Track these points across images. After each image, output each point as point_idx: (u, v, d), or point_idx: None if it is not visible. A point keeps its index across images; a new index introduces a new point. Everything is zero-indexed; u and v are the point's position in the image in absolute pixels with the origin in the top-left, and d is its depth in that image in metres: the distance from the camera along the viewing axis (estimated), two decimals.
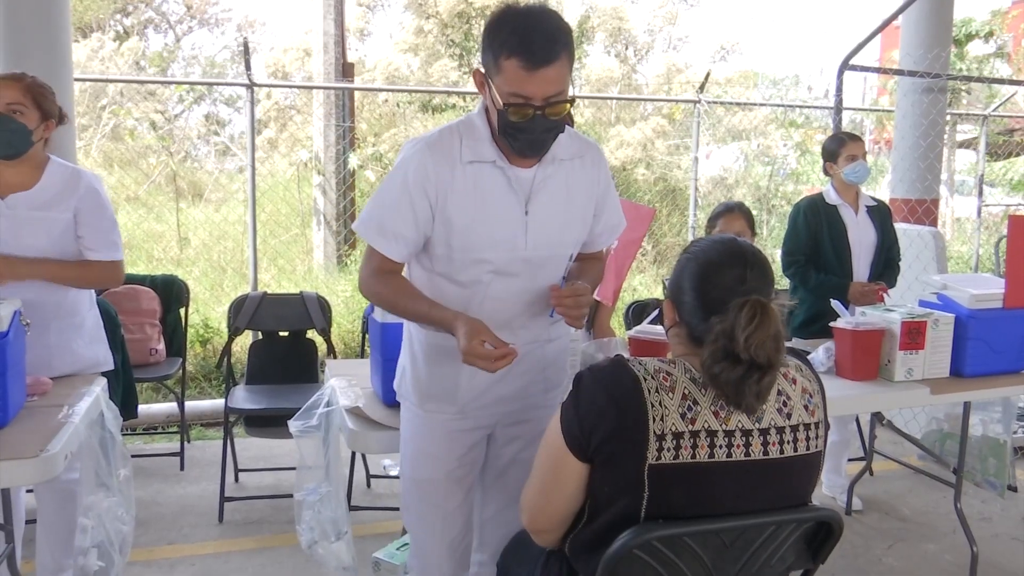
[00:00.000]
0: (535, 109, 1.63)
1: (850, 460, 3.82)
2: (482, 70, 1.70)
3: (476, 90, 1.75)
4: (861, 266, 3.51)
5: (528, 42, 1.59)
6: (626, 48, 13.83)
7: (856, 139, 3.56)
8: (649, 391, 1.37)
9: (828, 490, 3.71)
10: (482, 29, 1.69)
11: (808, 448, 1.45)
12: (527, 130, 1.66)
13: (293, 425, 2.32)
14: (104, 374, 2.50)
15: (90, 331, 2.55)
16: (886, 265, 3.56)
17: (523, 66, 1.59)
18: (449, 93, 10.37)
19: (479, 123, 1.76)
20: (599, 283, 2.06)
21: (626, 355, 1.63)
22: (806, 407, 1.45)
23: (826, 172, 3.58)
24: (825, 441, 1.50)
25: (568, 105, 1.67)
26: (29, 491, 2.71)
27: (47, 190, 2.36)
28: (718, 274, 1.43)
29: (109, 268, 2.43)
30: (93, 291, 2.63)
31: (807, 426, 1.45)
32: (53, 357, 2.38)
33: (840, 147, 3.49)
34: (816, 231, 3.48)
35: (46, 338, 2.35)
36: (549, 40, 1.60)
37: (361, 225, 1.81)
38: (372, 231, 1.78)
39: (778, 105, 10.86)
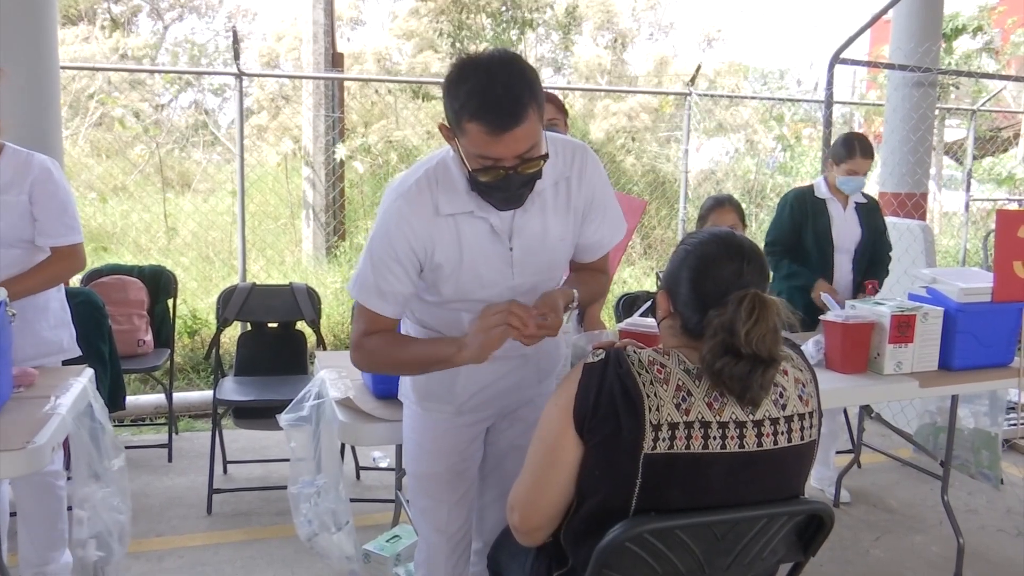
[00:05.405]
0: (507, 169, 1.52)
1: (838, 452, 3.84)
2: (447, 124, 1.56)
3: None
4: (842, 261, 3.51)
5: (490, 104, 1.45)
6: (615, 41, 13.81)
7: (867, 156, 3.41)
8: (644, 384, 1.37)
9: (816, 482, 3.73)
10: (447, 79, 1.54)
11: (803, 438, 1.45)
12: (501, 188, 1.55)
13: (283, 418, 2.31)
14: (91, 365, 2.48)
15: (55, 314, 2.54)
16: (871, 263, 3.55)
17: (487, 131, 1.46)
18: (439, 84, 10.29)
19: (454, 169, 1.64)
20: (598, 298, 2.02)
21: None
22: (800, 397, 1.46)
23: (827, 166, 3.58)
24: (819, 430, 1.50)
25: (542, 161, 1.54)
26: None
27: (1, 175, 2.36)
28: (715, 267, 1.43)
29: (70, 254, 2.44)
30: None
31: (801, 416, 1.45)
32: (16, 339, 2.36)
33: (848, 157, 3.38)
34: (800, 223, 3.48)
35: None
36: (513, 99, 1.45)
37: (359, 289, 1.71)
38: (371, 294, 1.69)
39: (769, 99, 10.87)
